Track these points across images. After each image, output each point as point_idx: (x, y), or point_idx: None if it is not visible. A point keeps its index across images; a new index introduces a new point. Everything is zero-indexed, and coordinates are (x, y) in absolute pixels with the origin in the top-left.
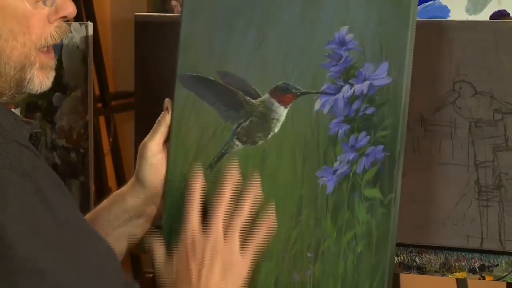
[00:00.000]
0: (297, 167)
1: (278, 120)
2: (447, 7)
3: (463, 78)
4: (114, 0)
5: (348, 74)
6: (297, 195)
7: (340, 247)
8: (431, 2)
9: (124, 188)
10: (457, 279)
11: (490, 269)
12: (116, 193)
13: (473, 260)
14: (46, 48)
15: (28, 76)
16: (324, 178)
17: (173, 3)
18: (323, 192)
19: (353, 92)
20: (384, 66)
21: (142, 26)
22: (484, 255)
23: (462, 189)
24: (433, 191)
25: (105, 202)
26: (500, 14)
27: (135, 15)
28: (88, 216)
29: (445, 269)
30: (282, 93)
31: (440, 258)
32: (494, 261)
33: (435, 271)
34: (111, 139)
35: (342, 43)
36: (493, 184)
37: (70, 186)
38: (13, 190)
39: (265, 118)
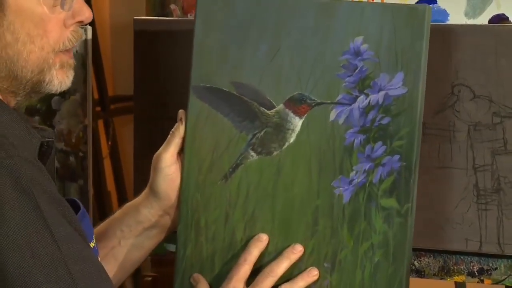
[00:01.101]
0: (313, 177)
1: (293, 130)
2: (446, 10)
3: (462, 82)
4: (113, 4)
5: (364, 84)
6: (313, 205)
7: (358, 257)
8: (430, 6)
9: (138, 199)
10: (455, 283)
11: (489, 272)
12: (129, 204)
13: (472, 264)
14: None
15: (48, 78)
16: (340, 188)
17: (172, 7)
18: (339, 202)
19: (369, 102)
20: (400, 76)
21: (141, 30)
22: (483, 258)
23: (461, 192)
24: (432, 195)
25: (118, 213)
26: (499, 18)
27: (134, 19)
28: (100, 226)
29: (444, 272)
30: (297, 104)
31: (439, 261)
32: (493, 264)
33: (434, 275)
34: (110, 143)
35: (357, 53)
36: (492, 188)
37: (69, 190)
38: (10, 207)
39: (280, 128)
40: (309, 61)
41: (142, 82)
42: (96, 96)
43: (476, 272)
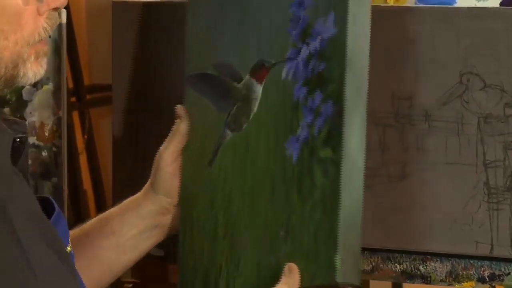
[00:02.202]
0: (271, 144)
1: (256, 99)
2: None
3: (471, 70)
4: None
5: (306, 34)
6: (271, 173)
7: (304, 219)
8: None
9: (138, 196)
10: None
11: (501, 278)
12: (128, 200)
13: (482, 269)
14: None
15: (22, 72)
16: (291, 148)
17: None
18: (290, 163)
19: (309, 51)
20: (331, 16)
21: (120, 13)
22: (494, 262)
23: (470, 191)
24: (438, 193)
25: (115, 209)
26: (511, 0)
27: (113, 1)
28: (95, 220)
29: (452, 278)
30: (258, 70)
31: (446, 266)
32: (505, 269)
33: (441, 281)
34: (86, 137)
35: (300, 3)
36: (504, 186)
37: (41, 188)
38: None
39: (248, 100)
40: (265, 23)
41: (121, 70)
42: (70, 85)
43: (487, 278)
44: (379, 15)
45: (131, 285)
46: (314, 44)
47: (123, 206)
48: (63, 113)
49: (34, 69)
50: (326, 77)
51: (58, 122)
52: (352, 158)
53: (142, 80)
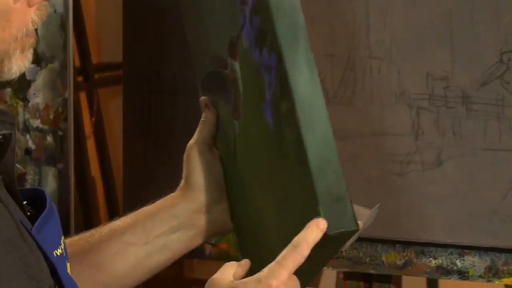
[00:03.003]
0: (258, 121)
1: (239, 78)
2: None
3: None
4: None
5: None
6: (267, 152)
7: (293, 183)
8: None
9: (173, 194)
10: (506, 286)
11: None
12: (163, 199)
13: None
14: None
15: (7, 67)
16: (268, 116)
17: None
18: (271, 131)
19: (249, 10)
20: None
21: None
22: None
23: None
24: (476, 182)
25: (148, 207)
26: None
27: None
28: (125, 217)
29: (491, 274)
30: (232, 48)
31: (486, 261)
32: None
33: (480, 276)
34: (93, 119)
35: None
36: None
37: (46, 175)
38: None
39: (235, 82)
40: (221, 3)
41: (132, 47)
42: (77, 63)
43: None
44: None
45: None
46: (249, 2)
47: (157, 204)
48: (69, 93)
49: (19, 63)
50: (263, 30)
51: (63, 103)
52: (307, 101)
53: (155, 58)
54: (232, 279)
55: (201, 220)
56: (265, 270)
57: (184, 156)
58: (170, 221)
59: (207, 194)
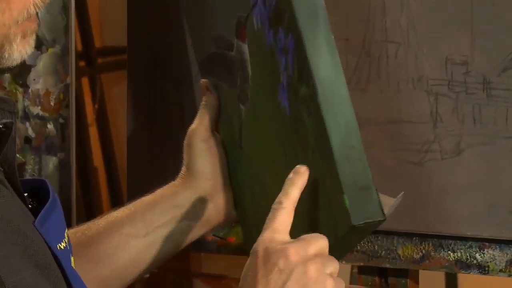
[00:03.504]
0: (270, 105)
1: (247, 60)
2: None
3: None
4: None
5: None
6: (280, 137)
7: (311, 170)
8: None
9: (174, 183)
10: None
11: None
12: (163, 188)
13: None
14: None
15: (7, 54)
16: (283, 100)
17: None
18: (287, 116)
19: None
20: None
21: None
22: None
23: None
24: (498, 172)
25: (148, 197)
26: None
27: None
28: (123, 207)
29: None
30: (240, 29)
31: (507, 254)
32: None
33: (500, 271)
34: (96, 106)
35: None
36: None
37: (46, 165)
38: None
39: (243, 64)
40: None
41: (137, 30)
42: (79, 47)
43: None
44: None
45: (147, 275)
46: None
47: (157, 193)
48: (71, 79)
49: (21, 49)
50: (279, 10)
51: (65, 89)
52: (329, 86)
53: (161, 42)
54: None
55: (204, 209)
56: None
57: (185, 142)
58: (172, 211)
59: (210, 182)
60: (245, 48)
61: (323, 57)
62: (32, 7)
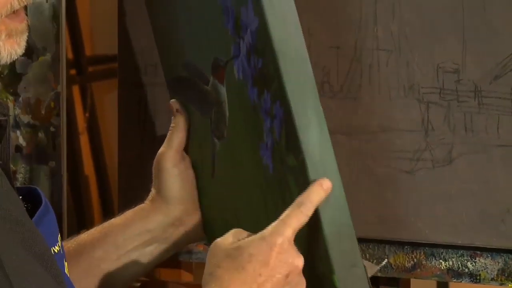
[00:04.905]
0: (250, 153)
1: (225, 101)
2: None
3: None
4: None
5: (237, 26)
6: (259, 184)
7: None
8: None
9: (144, 205)
10: None
11: None
12: (133, 211)
13: None
14: (13, 13)
15: None
16: (265, 157)
17: None
18: (268, 173)
19: (246, 46)
20: (250, 5)
21: None
22: None
23: None
24: (489, 180)
25: (118, 219)
26: None
27: None
28: (93, 230)
29: (504, 276)
30: (217, 70)
31: (498, 263)
32: None
33: (492, 279)
34: (87, 115)
35: None
36: None
37: (37, 174)
38: None
39: (219, 104)
40: (207, 18)
41: (128, 38)
42: (70, 56)
43: None
44: None
45: (139, 284)
46: (247, 38)
47: (127, 216)
48: (62, 88)
49: (9, 49)
50: (265, 74)
51: (56, 98)
52: (319, 161)
53: (151, 50)
54: (235, 239)
55: (175, 234)
56: (269, 228)
57: (154, 165)
58: (143, 235)
59: (181, 206)
60: (223, 89)
61: (314, 134)
62: (15, 1)
